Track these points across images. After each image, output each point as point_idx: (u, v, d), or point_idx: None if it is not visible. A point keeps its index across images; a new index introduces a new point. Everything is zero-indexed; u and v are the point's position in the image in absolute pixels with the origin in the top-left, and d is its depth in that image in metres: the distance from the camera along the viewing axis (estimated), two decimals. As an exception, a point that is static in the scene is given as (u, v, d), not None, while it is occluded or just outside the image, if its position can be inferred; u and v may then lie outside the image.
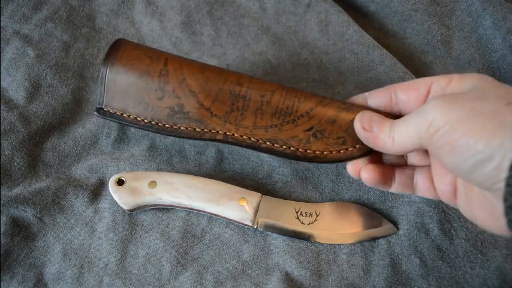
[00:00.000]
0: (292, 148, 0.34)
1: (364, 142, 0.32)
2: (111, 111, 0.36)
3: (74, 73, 0.46)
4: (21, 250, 0.38)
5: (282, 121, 0.34)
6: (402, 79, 0.46)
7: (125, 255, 0.38)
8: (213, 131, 0.35)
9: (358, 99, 0.34)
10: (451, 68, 0.49)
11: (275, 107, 0.34)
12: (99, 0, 0.51)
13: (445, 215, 0.39)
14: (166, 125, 0.35)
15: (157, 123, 0.35)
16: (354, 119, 0.32)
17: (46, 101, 0.44)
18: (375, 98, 0.33)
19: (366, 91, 0.47)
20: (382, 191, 0.41)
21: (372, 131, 0.30)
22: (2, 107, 0.43)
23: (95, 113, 0.36)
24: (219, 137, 0.35)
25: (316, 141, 0.34)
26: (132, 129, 0.44)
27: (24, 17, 0.48)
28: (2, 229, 0.38)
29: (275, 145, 0.34)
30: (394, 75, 0.46)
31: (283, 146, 0.34)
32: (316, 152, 0.34)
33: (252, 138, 0.34)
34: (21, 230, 0.39)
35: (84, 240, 0.39)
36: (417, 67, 0.50)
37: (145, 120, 0.35)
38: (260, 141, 0.34)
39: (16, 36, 0.46)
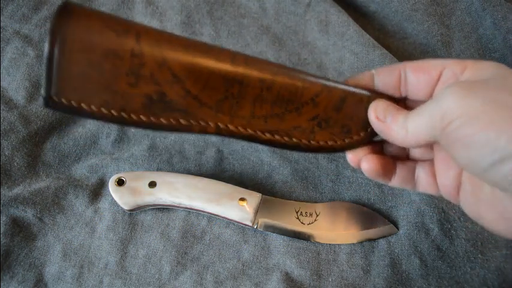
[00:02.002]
0: (294, 139, 0.31)
1: (378, 133, 0.30)
2: (64, 101, 0.27)
3: (74, 73, 0.46)
4: (21, 250, 0.38)
5: (284, 110, 0.30)
6: (402, 79, 0.46)
7: (125, 255, 0.38)
8: (202, 122, 0.29)
9: (364, 77, 0.31)
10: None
11: (276, 94, 0.29)
12: (99, 0, 0.51)
13: (445, 215, 0.39)
14: (142, 117, 0.28)
15: (129, 116, 0.28)
16: (359, 104, 0.30)
17: (46, 101, 0.44)
18: (383, 76, 0.30)
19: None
20: (382, 191, 0.41)
21: (385, 121, 0.28)
22: (2, 107, 0.43)
23: (43, 104, 0.28)
24: (211, 130, 0.29)
25: (321, 130, 0.31)
26: (133, 129, 0.44)
27: (24, 17, 0.48)
28: (2, 229, 0.38)
29: (276, 136, 0.30)
30: (394, 75, 0.46)
31: (285, 138, 0.31)
32: (321, 143, 0.31)
33: (249, 130, 0.30)
34: (21, 230, 0.39)
35: (84, 240, 0.39)
36: (417, 67, 0.50)
37: (113, 112, 0.28)
38: (259, 132, 0.30)
39: (16, 36, 0.46)
